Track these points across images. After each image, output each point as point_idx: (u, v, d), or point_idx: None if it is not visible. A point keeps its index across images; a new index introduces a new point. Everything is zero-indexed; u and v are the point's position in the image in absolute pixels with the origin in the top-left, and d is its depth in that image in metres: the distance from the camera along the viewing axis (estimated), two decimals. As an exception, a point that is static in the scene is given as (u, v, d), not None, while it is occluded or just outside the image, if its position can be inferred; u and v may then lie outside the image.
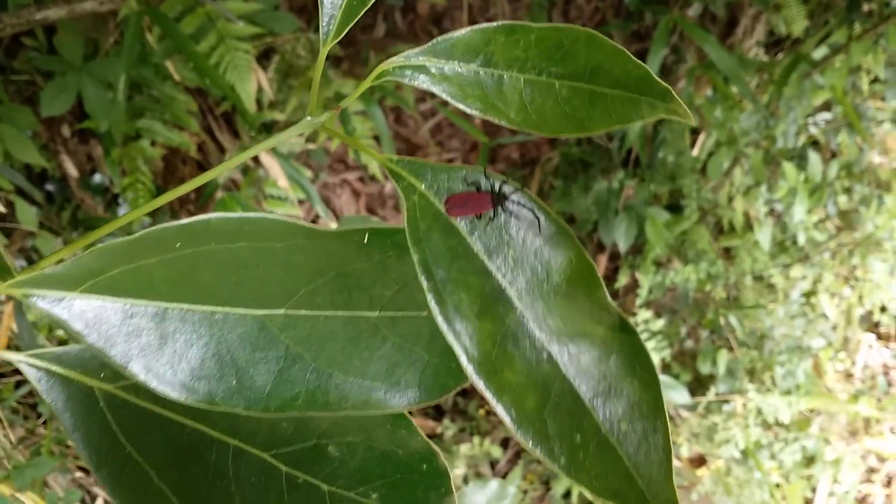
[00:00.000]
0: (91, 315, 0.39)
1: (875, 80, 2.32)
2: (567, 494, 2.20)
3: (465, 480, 2.14)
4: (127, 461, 0.44)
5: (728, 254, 2.52)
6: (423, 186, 0.41)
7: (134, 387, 0.45)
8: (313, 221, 2.37)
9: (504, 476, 2.17)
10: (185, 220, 0.41)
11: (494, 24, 0.42)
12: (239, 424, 0.45)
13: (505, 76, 0.42)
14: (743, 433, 2.25)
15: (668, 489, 0.37)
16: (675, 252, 2.37)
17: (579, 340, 0.39)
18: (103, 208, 1.90)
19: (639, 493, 0.37)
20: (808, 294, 2.47)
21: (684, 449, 2.30)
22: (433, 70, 0.42)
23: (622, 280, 2.37)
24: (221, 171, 0.44)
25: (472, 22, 2.45)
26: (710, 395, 2.35)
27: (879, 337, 2.71)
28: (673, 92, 0.39)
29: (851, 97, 2.28)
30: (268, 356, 0.40)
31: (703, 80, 2.26)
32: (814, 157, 2.31)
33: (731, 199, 2.34)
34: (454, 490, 0.44)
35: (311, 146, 2.11)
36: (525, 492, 2.16)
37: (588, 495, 0.36)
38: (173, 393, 0.38)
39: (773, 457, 2.34)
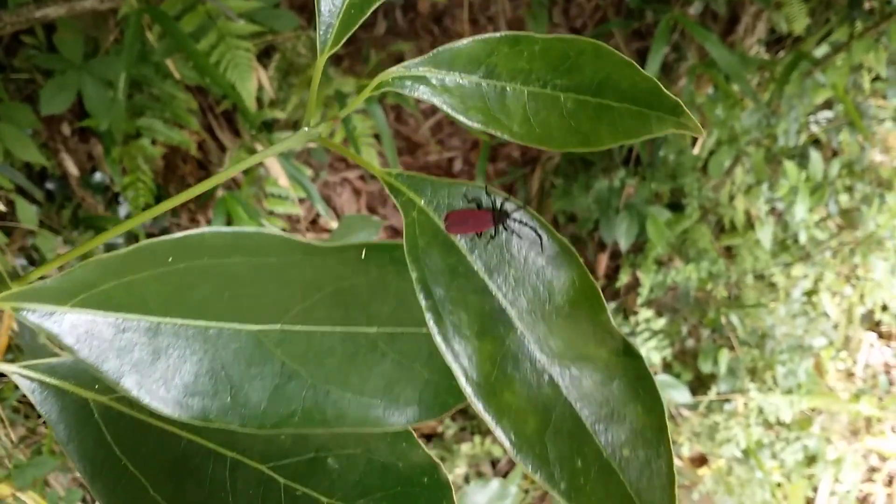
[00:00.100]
0: (83, 329, 0.38)
1: (876, 79, 2.31)
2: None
3: (467, 479, 2.14)
4: (122, 473, 0.44)
5: (729, 252, 2.51)
6: (422, 202, 0.41)
7: (129, 398, 0.44)
8: (314, 220, 2.37)
9: (505, 475, 2.17)
10: (177, 235, 0.40)
11: (497, 34, 0.41)
12: (236, 436, 0.44)
13: (508, 88, 0.41)
14: (744, 432, 2.25)
15: (672, 516, 0.36)
16: (676, 251, 2.37)
17: (581, 363, 0.38)
18: (104, 207, 1.90)
19: (641, 520, 0.36)
20: (810, 293, 2.46)
21: (685, 448, 2.30)
22: (434, 81, 0.42)
23: (623, 279, 2.37)
24: (226, 178, 0.44)
25: (472, 20, 2.45)
26: (712, 394, 2.34)
27: (881, 336, 2.70)
28: (682, 105, 0.38)
29: (853, 95, 2.27)
30: (263, 372, 0.39)
31: (704, 79, 2.25)
32: (815, 156, 2.30)
33: (732, 198, 2.34)
34: (455, 502, 0.43)
35: (311, 145, 2.10)
36: (526, 491, 2.16)
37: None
38: (166, 409, 0.38)
39: (774, 456, 2.34)
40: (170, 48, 1.62)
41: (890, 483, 2.54)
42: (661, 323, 2.26)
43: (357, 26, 0.42)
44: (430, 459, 0.44)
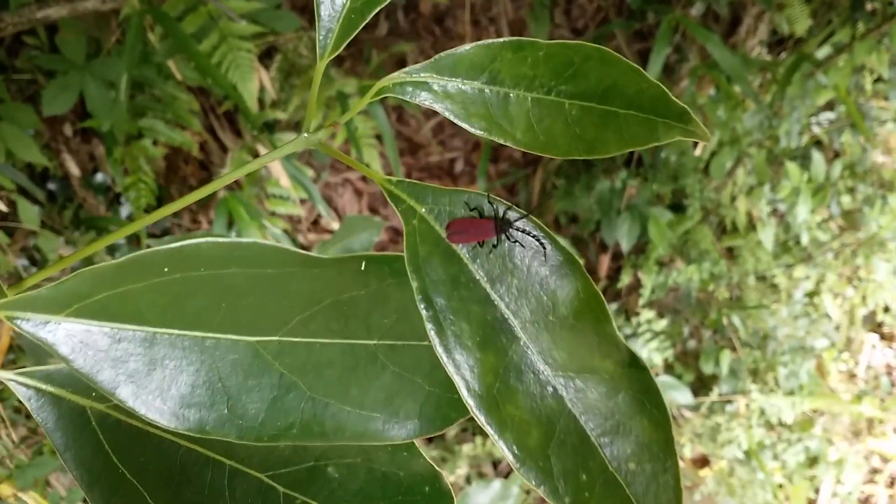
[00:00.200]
0: (77, 339, 0.38)
1: (878, 80, 2.31)
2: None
3: (468, 480, 2.14)
4: (119, 482, 0.43)
5: (731, 254, 2.51)
6: (423, 210, 0.40)
7: (125, 407, 0.44)
8: (315, 221, 2.37)
9: (506, 476, 2.17)
10: (173, 245, 0.40)
11: (500, 39, 0.41)
12: (235, 445, 0.44)
13: (511, 95, 0.40)
14: (746, 434, 2.24)
15: (679, 532, 0.36)
16: (677, 252, 2.37)
17: (586, 375, 0.37)
18: (105, 207, 1.90)
19: (648, 535, 0.36)
20: (812, 294, 2.46)
21: (687, 449, 2.30)
22: (435, 87, 0.41)
23: (625, 280, 2.37)
24: (228, 181, 0.43)
25: (474, 21, 2.45)
26: (713, 395, 2.34)
27: (883, 337, 2.70)
28: (690, 112, 0.38)
29: (855, 97, 2.27)
30: (261, 384, 0.39)
31: (705, 80, 2.25)
32: (817, 157, 2.30)
33: (733, 199, 2.34)
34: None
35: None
36: (528, 492, 2.16)
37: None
38: (162, 420, 0.38)
39: (776, 457, 2.33)
40: (171, 49, 1.62)
41: (892, 484, 2.53)
42: (662, 324, 2.26)
43: (357, 31, 0.41)
44: (431, 468, 0.44)
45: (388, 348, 0.40)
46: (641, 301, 2.30)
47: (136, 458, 0.44)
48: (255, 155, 1.97)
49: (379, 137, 2.09)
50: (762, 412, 2.31)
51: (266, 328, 0.40)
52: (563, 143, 0.39)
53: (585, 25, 2.56)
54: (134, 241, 1.77)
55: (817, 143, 2.45)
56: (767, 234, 2.29)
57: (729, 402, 2.35)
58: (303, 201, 2.12)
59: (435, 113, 2.65)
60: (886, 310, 2.56)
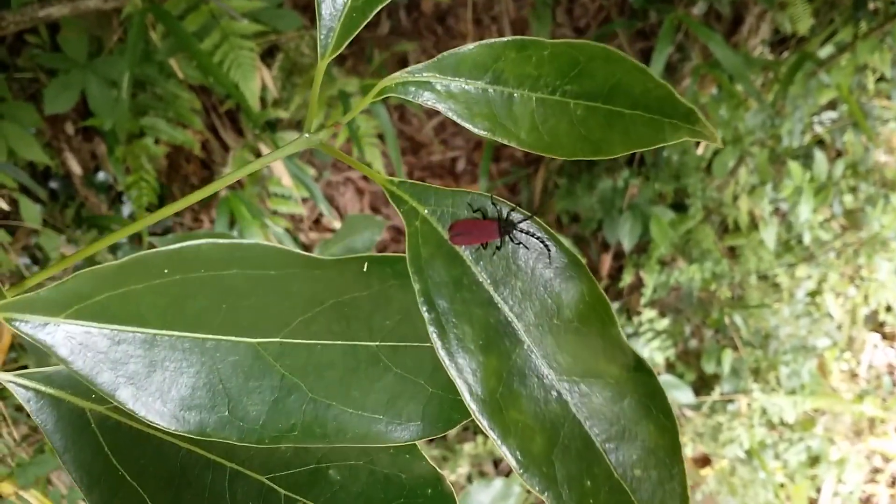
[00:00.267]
0: (77, 341, 0.38)
1: (881, 79, 2.31)
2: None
3: (469, 479, 2.14)
4: (119, 484, 0.43)
5: (733, 253, 2.51)
6: (425, 211, 0.39)
7: (125, 409, 0.44)
8: (317, 220, 2.37)
9: (507, 475, 2.17)
10: (173, 246, 0.40)
11: (504, 39, 0.40)
12: (236, 447, 0.43)
13: (515, 94, 0.40)
14: (747, 433, 2.24)
15: (686, 539, 0.35)
16: (679, 251, 2.36)
17: (591, 380, 0.37)
18: (107, 206, 1.90)
19: (653, 543, 0.35)
20: (814, 293, 2.46)
21: (688, 449, 2.30)
22: (438, 87, 0.40)
23: (626, 279, 2.36)
24: (231, 181, 0.43)
25: (476, 20, 2.45)
26: (715, 394, 2.34)
27: (884, 337, 2.70)
28: (697, 112, 0.37)
29: (857, 96, 2.27)
30: (262, 385, 0.38)
31: (707, 79, 2.25)
32: (819, 156, 2.30)
33: (736, 198, 2.33)
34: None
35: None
36: (529, 491, 2.15)
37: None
38: (162, 422, 0.37)
39: (777, 457, 2.33)
40: (173, 47, 1.62)
41: (893, 484, 2.53)
42: (664, 323, 2.26)
43: (359, 30, 0.41)
44: (433, 470, 0.43)
45: (391, 350, 0.40)
46: (643, 300, 2.30)
47: (136, 461, 0.43)
48: (257, 154, 1.97)
49: (381, 136, 2.09)
50: (764, 411, 2.31)
51: (267, 329, 0.39)
52: (568, 144, 0.39)
53: (587, 24, 2.56)
54: (136, 239, 1.77)
55: (819, 142, 2.45)
56: (769, 234, 2.29)
57: (730, 401, 2.35)
58: (304, 200, 2.12)
59: (437, 112, 2.64)
60: (888, 309, 2.56)
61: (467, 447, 2.17)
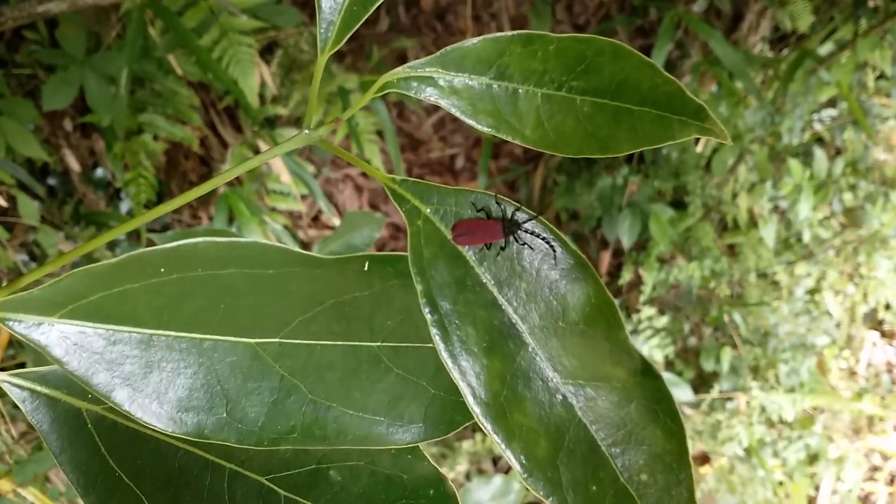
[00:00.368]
0: (71, 341, 0.37)
1: (880, 77, 2.30)
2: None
3: (468, 476, 2.14)
4: (117, 485, 0.42)
5: (732, 251, 2.50)
6: (428, 210, 0.39)
7: (121, 410, 0.43)
8: (316, 217, 2.37)
9: (507, 472, 2.17)
10: (170, 245, 0.39)
11: (510, 33, 0.39)
12: (235, 448, 0.42)
13: (520, 90, 0.39)
14: (746, 431, 2.24)
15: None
16: (678, 249, 2.36)
17: (597, 383, 0.36)
18: (105, 203, 1.89)
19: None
20: (813, 291, 2.46)
21: (687, 446, 2.29)
22: (441, 82, 0.39)
23: (626, 277, 2.36)
24: (229, 178, 0.42)
25: (475, 17, 2.44)
26: (714, 392, 2.34)
27: (883, 335, 2.70)
28: (707, 109, 0.36)
29: (857, 93, 2.26)
30: (261, 386, 0.38)
31: (707, 76, 2.24)
32: (819, 154, 2.30)
33: (735, 196, 2.33)
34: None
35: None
36: (528, 489, 2.15)
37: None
38: (159, 424, 0.37)
39: (776, 455, 2.33)
40: (172, 44, 1.62)
41: (892, 482, 2.53)
42: (663, 321, 2.26)
43: (359, 24, 0.40)
44: (435, 471, 0.43)
45: (392, 350, 0.39)
46: (642, 298, 2.30)
47: (133, 461, 0.43)
48: (256, 150, 1.96)
49: (380, 133, 2.09)
50: (763, 409, 2.31)
51: (266, 329, 0.39)
52: (575, 141, 0.38)
53: (587, 21, 2.56)
54: (134, 236, 1.77)
55: (819, 140, 2.44)
56: (769, 231, 2.29)
57: (729, 399, 2.35)
58: (303, 197, 2.11)
59: (436, 109, 2.65)
60: (887, 307, 2.56)
61: (466, 445, 2.17)
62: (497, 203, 0.40)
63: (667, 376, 2.13)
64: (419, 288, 0.37)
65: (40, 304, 0.37)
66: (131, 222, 0.43)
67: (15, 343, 1.44)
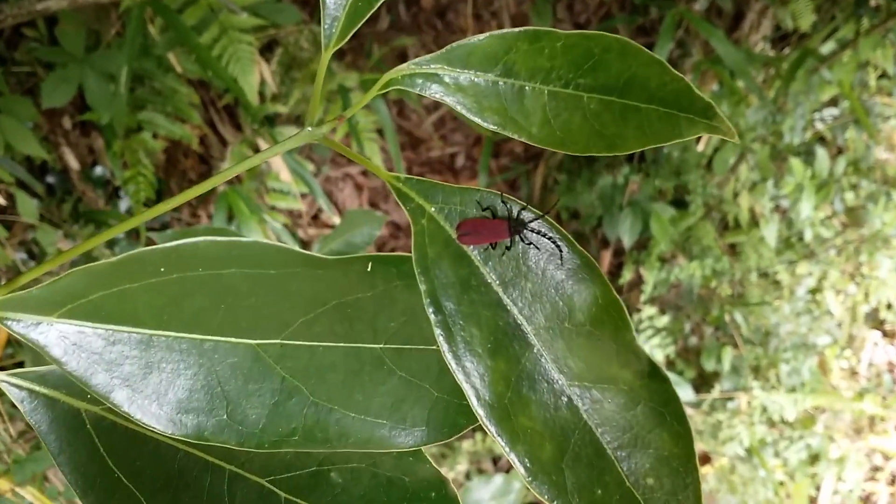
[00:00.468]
0: (70, 341, 0.37)
1: (882, 76, 2.30)
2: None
3: (468, 476, 2.13)
4: (116, 487, 0.42)
5: (733, 250, 2.50)
6: (432, 209, 0.38)
7: (120, 411, 0.42)
8: (315, 216, 2.36)
9: (507, 472, 2.17)
10: (170, 244, 0.38)
11: (516, 29, 0.38)
12: (235, 449, 0.42)
13: (527, 87, 0.38)
14: (747, 431, 2.24)
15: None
16: (679, 248, 2.36)
17: (603, 386, 0.35)
18: (104, 201, 1.89)
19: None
20: (814, 291, 2.45)
21: (688, 446, 2.29)
22: (447, 79, 0.39)
23: (626, 276, 2.36)
24: (229, 176, 0.42)
25: (476, 15, 2.44)
26: (715, 392, 2.33)
27: (885, 334, 2.69)
28: (715, 107, 0.36)
29: (859, 93, 2.26)
30: (262, 388, 0.37)
31: (708, 75, 2.24)
32: (821, 153, 2.29)
33: (736, 195, 2.33)
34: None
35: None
36: (528, 488, 2.15)
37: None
38: (159, 426, 0.36)
39: (777, 454, 2.33)
40: (172, 42, 1.62)
41: (893, 482, 2.53)
42: (664, 320, 2.26)
43: (364, 20, 0.39)
44: (437, 474, 0.42)
45: (395, 352, 0.39)
46: (643, 297, 2.30)
47: (132, 462, 0.42)
48: (256, 149, 1.96)
49: (380, 132, 2.08)
50: (764, 409, 2.31)
51: (267, 330, 0.38)
52: (581, 139, 0.37)
53: (588, 20, 2.55)
54: (133, 235, 1.76)
55: (821, 139, 2.44)
56: (770, 231, 2.28)
57: (730, 399, 2.34)
58: (303, 195, 2.11)
59: (436, 107, 2.65)
60: (889, 307, 2.56)
61: (466, 445, 2.16)
62: (502, 202, 0.39)
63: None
64: (423, 288, 0.36)
65: (39, 304, 0.37)
66: (130, 221, 0.43)
67: (13, 342, 1.43)
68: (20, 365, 1.41)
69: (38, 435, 0.42)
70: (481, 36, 0.39)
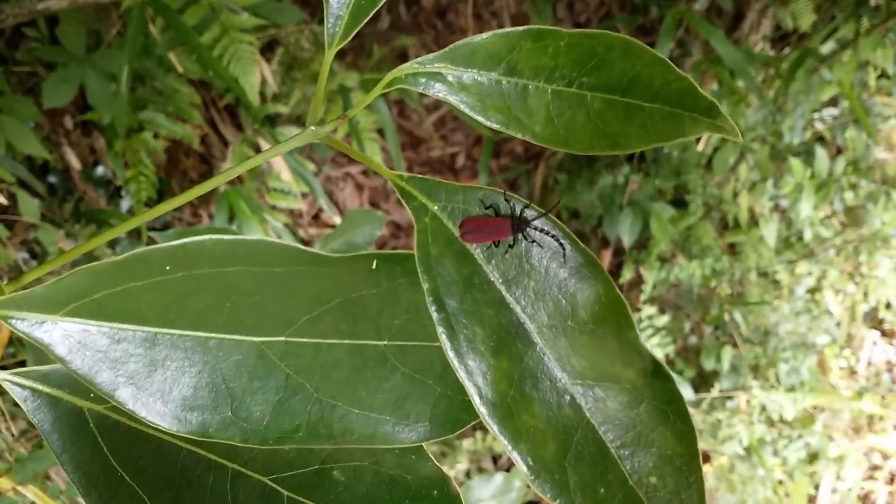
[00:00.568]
0: (75, 340, 0.37)
1: (882, 76, 2.30)
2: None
3: (468, 475, 2.13)
4: (119, 485, 0.42)
5: (733, 250, 2.50)
6: (435, 207, 0.38)
7: (125, 409, 0.42)
8: (316, 215, 2.37)
9: (507, 470, 2.17)
10: (175, 242, 0.38)
11: (520, 28, 0.38)
12: (238, 448, 0.42)
13: (530, 86, 0.38)
14: (747, 430, 2.24)
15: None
16: (679, 248, 2.36)
17: (606, 384, 0.35)
18: (106, 201, 1.89)
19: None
20: (813, 290, 2.46)
21: (687, 445, 2.29)
22: (450, 78, 0.39)
23: (626, 275, 2.36)
24: (231, 177, 0.42)
25: (476, 15, 2.44)
26: (714, 391, 2.34)
27: (884, 334, 2.69)
28: (718, 106, 0.36)
29: (858, 93, 2.26)
30: (266, 385, 0.37)
31: (708, 75, 2.24)
32: (820, 153, 2.29)
33: (736, 195, 2.33)
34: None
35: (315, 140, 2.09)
36: (528, 486, 2.15)
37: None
38: (164, 423, 0.36)
39: (776, 454, 2.33)
40: (173, 41, 1.62)
41: (892, 481, 2.53)
42: (663, 320, 2.26)
43: (368, 18, 0.40)
44: (439, 471, 0.42)
45: (399, 349, 0.39)
46: (643, 297, 2.30)
47: (135, 461, 0.42)
48: (257, 148, 1.96)
49: (380, 132, 2.08)
50: (763, 408, 2.31)
51: (271, 328, 0.38)
52: (585, 138, 0.37)
53: (588, 20, 2.55)
54: (134, 234, 1.76)
55: (820, 138, 2.44)
56: (770, 231, 2.29)
57: (730, 398, 2.35)
58: (304, 195, 2.11)
59: (437, 107, 2.65)
60: (888, 306, 2.56)
61: (466, 443, 2.17)
62: (505, 200, 0.40)
63: (667, 375, 2.12)
64: (426, 286, 0.36)
65: (43, 302, 0.37)
66: (132, 220, 0.43)
67: (15, 341, 1.44)
68: (22, 364, 1.41)
69: (40, 434, 0.42)
70: (484, 35, 0.39)
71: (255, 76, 1.71)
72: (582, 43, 0.38)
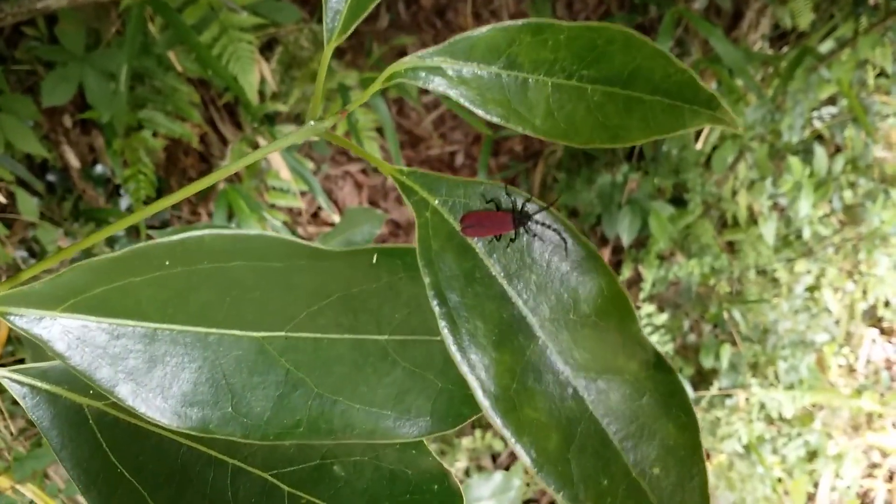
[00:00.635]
0: (74, 336, 0.37)
1: (881, 75, 2.30)
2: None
3: (467, 473, 2.14)
4: (118, 482, 0.42)
5: (732, 248, 2.50)
6: (436, 202, 0.38)
7: (124, 405, 0.42)
8: (315, 214, 2.37)
9: (507, 468, 2.17)
10: (175, 238, 0.38)
11: (520, 21, 0.38)
12: (238, 443, 0.42)
13: (530, 80, 0.38)
14: (746, 428, 2.24)
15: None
16: (678, 246, 2.36)
17: (609, 376, 0.35)
18: (105, 199, 1.89)
19: (671, 545, 0.34)
20: (812, 289, 2.46)
21: (686, 443, 2.29)
22: (450, 72, 0.39)
23: (625, 274, 2.36)
24: (229, 173, 0.42)
25: (475, 14, 2.44)
26: (713, 389, 2.34)
27: (883, 332, 2.69)
28: (718, 98, 0.36)
29: (857, 91, 2.26)
30: (267, 380, 0.37)
31: (707, 74, 2.24)
32: (819, 152, 2.30)
33: (735, 193, 2.33)
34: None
35: (314, 137, 2.09)
36: (528, 484, 2.15)
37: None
38: (164, 419, 0.36)
39: (775, 451, 2.33)
40: (172, 40, 1.62)
41: (891, 479, 2.53)
42: (663, 318, 2.26)
43: (367, 12, 0.39)
44: (439, 466, 0.42)
45: (399, 344, 0.39)
46: (642, 295, 2.30)
47: (135, 457, 0.42)
48: (256, 147, 1.96)
49: (379, 130, 2.08)
50: (762, 406, 2.31)
51: (272, 323, 0.38)
52: (585, 131, 0.37)
53: (587, 18, 2.55)
54: (133, 232, 1.76)
55: (819, 137, 2.45)
56: (769, 229, 2.29)
57: (729, 396, 2.35)
58: (303, 194, 2.11)
59: (436, 105, 2.65)
60: (887, 304, 2.56)
61: (465, 441, 2.17)
62: (507, 194, 0.39)
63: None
64: (427, 280, 0.36)
65: (42, 299, 0.37)
66: (130, 218, 0.43)
67: (13, 339, 1.44)
68: (20, 362, 1.41)
69: (40, 431, 0.42)
70: (484, 28, 0.38)
71: (254, 75, 1.71)
72: (582, 36, 0.38)
